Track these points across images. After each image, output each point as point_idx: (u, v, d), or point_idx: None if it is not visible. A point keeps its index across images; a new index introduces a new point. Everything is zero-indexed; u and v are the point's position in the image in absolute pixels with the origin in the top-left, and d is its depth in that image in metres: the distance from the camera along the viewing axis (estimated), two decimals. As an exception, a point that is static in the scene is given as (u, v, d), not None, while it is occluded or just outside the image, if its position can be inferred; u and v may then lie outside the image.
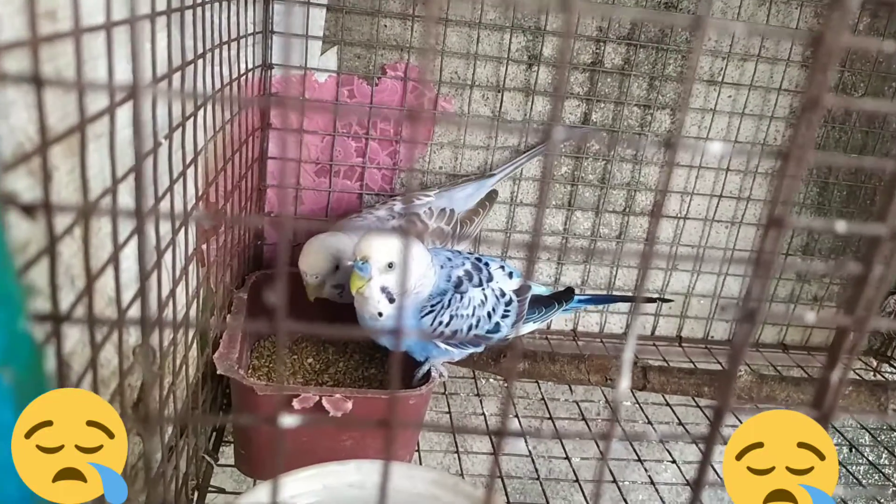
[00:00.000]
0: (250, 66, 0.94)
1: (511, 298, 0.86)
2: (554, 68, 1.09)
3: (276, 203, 1.09)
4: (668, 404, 1.06)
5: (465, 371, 1.09)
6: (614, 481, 0.88)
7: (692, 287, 1.23)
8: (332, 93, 1.05)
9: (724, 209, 1.19)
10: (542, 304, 0.93)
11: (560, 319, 1.21)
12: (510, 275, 0.88)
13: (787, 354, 1.25)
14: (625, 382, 0.33)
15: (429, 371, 0.83)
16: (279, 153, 1.06)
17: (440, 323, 0.81)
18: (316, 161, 1.08)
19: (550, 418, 1.03)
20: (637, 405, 1.05)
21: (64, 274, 0.44)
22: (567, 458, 0.93)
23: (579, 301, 1.03)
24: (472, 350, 0.90)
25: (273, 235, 1.11)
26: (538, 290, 0.96)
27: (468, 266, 0.85)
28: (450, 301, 0.81)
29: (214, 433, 0.89)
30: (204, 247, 0.81)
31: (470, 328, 0.82)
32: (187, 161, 0.63)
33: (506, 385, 1.10)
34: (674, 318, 1.24)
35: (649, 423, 1.02)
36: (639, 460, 0.94)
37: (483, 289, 0.84)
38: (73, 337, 0.46)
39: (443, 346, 0.83)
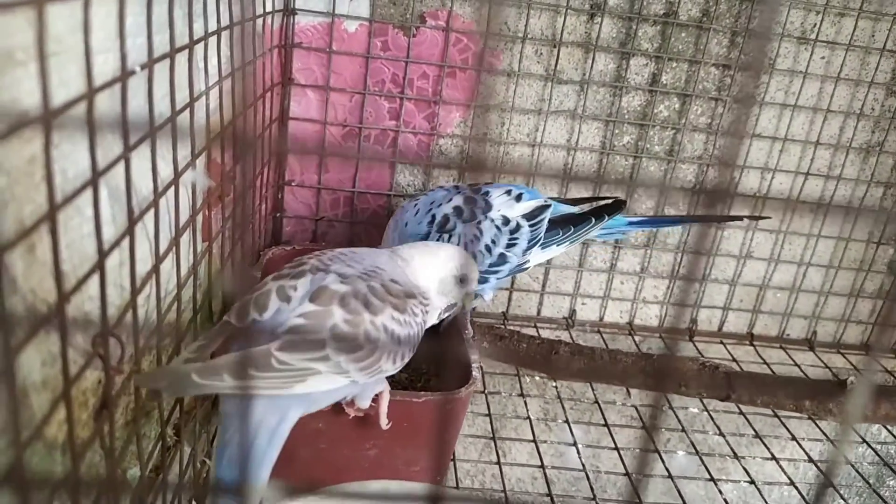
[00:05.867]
0: (269, 9, 0.81)
1: (518, 224, 0.79)
2: (620, 19, 0.93)
3: (297, 170, 0.97)
4: (740, 412, 0.92)
5: (507, 367, 0.95)
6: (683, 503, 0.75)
7: (768, 279, 1.07)
8: (363, 44, 0.92)
9: (810, 189, 1.04)
10: (573, 222, 0.83)
11: (614, 310, 1.07)
12: (519, 197, 0.80)
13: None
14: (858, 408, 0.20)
15: (470, 371, 0.70)
16: (301, 113, 0.93)
17: None
18: (343, 123, 0.95)
19: (605, 425, 0.89)
20: (706, 412, 0.91)
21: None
22: (627, 473, 0.80)
23: (631, 223, 0.90)
24: (477, 288, 0.79)
25: (294, 207, 0.99)
26: (568, 210, 0.86)
27: (458, 201, 0.78)
28: None
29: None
30: (210, 216, 0.69)
31: None
32: (178, 107, 0.50)
33: (554, 384, 0.96)
34: (745, 313, 1.09)
35: (720, 433, 0.88)
36: (711, 479, 0.81)
37: (478, 222, 0.78)
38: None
39: None
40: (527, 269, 0.83)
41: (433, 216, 0.78)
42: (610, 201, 0.88)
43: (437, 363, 0.80)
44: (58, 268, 0.32)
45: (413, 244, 0.69)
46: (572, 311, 1.06)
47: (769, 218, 1.01)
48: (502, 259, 0.79)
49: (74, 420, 0.41)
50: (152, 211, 0.46)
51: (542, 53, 0.94)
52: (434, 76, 0.93)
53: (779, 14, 0.95)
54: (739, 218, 0.97)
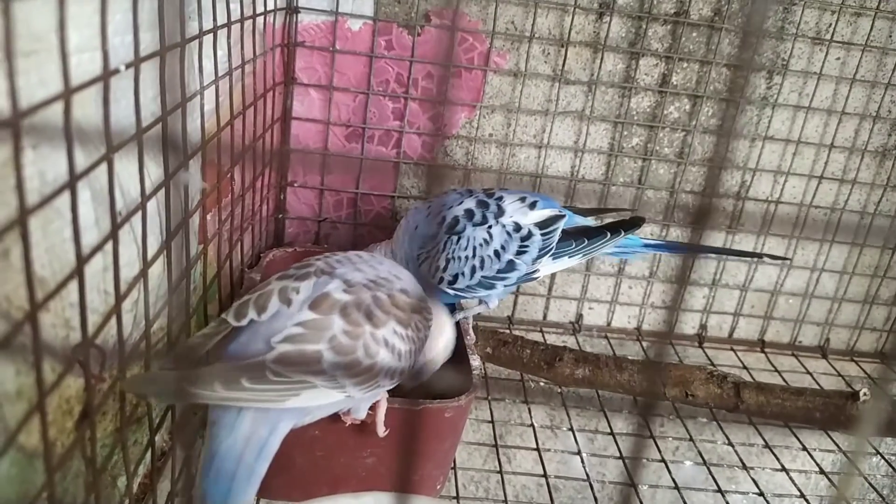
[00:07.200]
0: (270, 7, 0.80)
1: (530, 232, 0.77)
2: (629, 19, 0.92)
3: (300, 171, 0.95)
4: (750, 421, 0.90)
5: (511, 373, 0.94)
6: (690, 517, 0.73)
7: (780, 284, 1.05)
8: (367, 43, 0.90)
9: (824, 193, 1.01)
10: (587, 235, 0.80)
11: (622, 315, 1.05)
12: (533, 205, 0.78)
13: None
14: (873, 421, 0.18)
15: (470, 377, 0.69)
16: (304, 113, 0.92)
17: (437, 269, 0.76)
18: (347, 123, 0.94)
19: (611, 433, 0.87)
20: (715, 421, 0.89)
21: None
22: (632, 484, 0.77)
23: (647, 245, 0.87)
24: (483, 294, 0.79)
25: (297, 208, 0.97)
26: (583, 221, 0.84)
27: (470, 204, 0.77)
28: (444, 245, 0.76)
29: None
30: (207, 218, 0.67)
31: (474, 270, 0.76)
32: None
33: (559, 391, 0.94)
34: (756, 320, 1.07)
35: (729, 443, 0.86)
36: (719, 490, 0.78)
37: (488, 226, 0.76)
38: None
39: (452, 292, 0.77)
40: (536, 278, 0.81)
41: (443, 217, 0.77)
42: (628, 217, 0.86)
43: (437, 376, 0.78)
44: (29, 275, 0.31)
45: None
46: (579, 316, 1.04)
47: (788, 259, 1.00)
48: (511, 266, 0.77)
49: (56, 429, 0.40)
50: (140, 214, 0.45)
51: (549, 53, 0.92)
52: (439, 76, 0.92)
53: (766, 14, 0.93)
54: (758, 255, 0.95)
